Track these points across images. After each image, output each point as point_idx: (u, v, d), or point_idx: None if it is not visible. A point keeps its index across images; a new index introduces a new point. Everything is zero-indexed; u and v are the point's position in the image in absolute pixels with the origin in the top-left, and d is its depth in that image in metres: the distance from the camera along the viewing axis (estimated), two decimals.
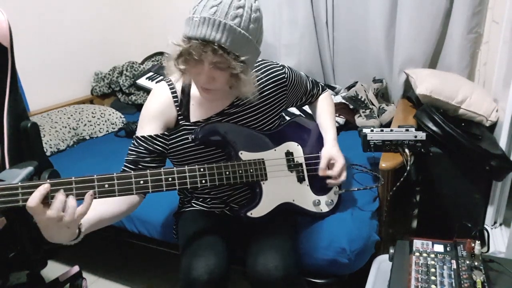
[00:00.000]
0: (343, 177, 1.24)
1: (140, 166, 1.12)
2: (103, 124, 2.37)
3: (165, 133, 1.15)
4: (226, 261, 1.09)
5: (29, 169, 0.99)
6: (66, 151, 2.14)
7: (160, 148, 1.14)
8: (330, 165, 1.25)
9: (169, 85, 1.16)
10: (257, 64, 1.20)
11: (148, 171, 0.96)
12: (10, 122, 1.14)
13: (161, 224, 1.47)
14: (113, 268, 1.94)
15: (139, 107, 2.67)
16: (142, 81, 2.63)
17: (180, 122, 1.15)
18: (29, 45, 2.29)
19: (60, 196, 0.83)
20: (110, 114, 2.43)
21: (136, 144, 1.13)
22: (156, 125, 1.13)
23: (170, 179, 0.99)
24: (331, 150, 1.26)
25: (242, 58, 0.97)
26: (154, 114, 1.14)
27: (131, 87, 2.70)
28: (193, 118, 1.15)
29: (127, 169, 1.12)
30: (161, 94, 1.15)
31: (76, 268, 1.67)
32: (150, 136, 1.12)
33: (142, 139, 1.12)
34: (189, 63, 0.99)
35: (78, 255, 2.03)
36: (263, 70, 1.20)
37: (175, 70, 1.03)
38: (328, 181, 1.25)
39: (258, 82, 1.17)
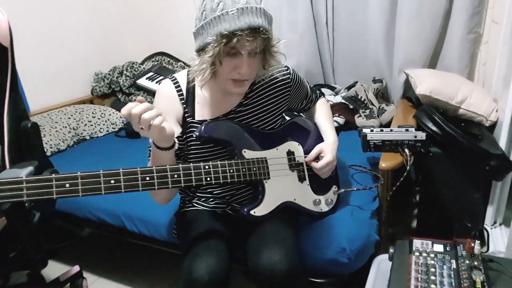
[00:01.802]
0: (324, 173, 1.25)
1: None
2: (103, 124, 2.37)
3: (179, 134, 1.17)
4: (227, 261, 1.09)
5: (30, 169, 0.99)
6: (67, 151, 2.14)
7: (180, 147, 1.17)
8: (320, 157, 1.25)
9: (173, 82, 1.18)
10: None
11: (154, 167, 0.97)
12: (11, 122, 1.15)
13: (162, 224, 1.47)
14: (113, 268, 1.94)
15: None
16: (142, 81, 2.63)
17: (187, 120, 1.16)
18: (30, 45, 2.29)
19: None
20: (110, 114, 2.43)
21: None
22: (170, 121, 1.15)
23: (175, 176, 1.00)
24: (325, 145, 1.27)
25: (275, 36, 1.04)
26: (164, 109, 1.14)
27: (131, 87, 2.70)
28: (199, 117, 1.17)
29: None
30: (166, 91, 1.17)
31: (76, 268, 1.68)
32: None
33: None
34: (224, 59, 1.02)
35: (78, 255, 2.03)
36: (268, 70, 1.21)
37: (207, 68, 1.03)
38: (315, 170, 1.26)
39: (264, 81, 1.20)
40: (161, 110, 1.15)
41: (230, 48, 0.99)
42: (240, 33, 0.95)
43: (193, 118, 1.17)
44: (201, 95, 1.17)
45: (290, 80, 1.25)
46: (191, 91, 1.17)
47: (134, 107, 0.92)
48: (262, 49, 1.04)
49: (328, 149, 1.25)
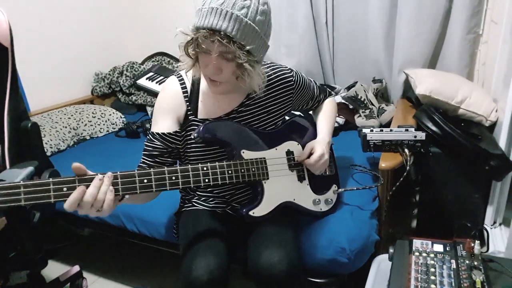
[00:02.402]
0: (318, 168, 1.23)
1: (158, 160, 1.15)
2: (104, 124, 2.37)
3: (178, 130, 1.16)
4: (226, 261, 1.09)
5: (30, 169, 0.99)
6: (67, 151, 2.14)
7: (173, 146, 1.17)
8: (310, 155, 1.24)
9: (179, 79, 1.18)
10: (267, 66, 1.22)
11: (151, 170, 0.97)
12: (11, 122, 1.15)
13: (162, 224, 1.47)
14: (113, 268, 1.94)
15: (139, 107, 2.68)
16: (142, 81, 2.64)
17: (190, 117, 1.17)
18: (30, 45, 2.29)
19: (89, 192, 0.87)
20: (110, 114, 2.43)
21: (151, 139, 1.16)
22: (169, 120, 1.15)
23: (173, 178, 1.00)
24: (314, 142, 1.26)
25: (248, 48, 0.99)
26: (166, 109, 1.16)
27: (131, 87, 2.70)
28: (201, 115, 1.17)
29: (145, 163, 1.15)
30: (170, 88, 1.18)
31: (76, 268, 1.68)
32: (163, 133, 1.15)
33: (157, 136, 1.15)
34: (196, 53, 1.02)
35: (78, 255, 2.03)
36: (271, 72, 1.22)
37: (187, 60, 1.06)
38: (308, 167, 1.25)
39: (267, 83, 1.19)
40: (161, 106, 1.17)
41: (195, 42, 1.00)
42: (202, 31, 0.96)
43: (195, 116, 1.17)
44: (205, 92, 1.17)
45: (292, 82, 1.25)
46: (195, 88, 1.18)
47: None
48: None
49: (317, 144, 1.25)
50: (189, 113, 1.17)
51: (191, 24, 1.01)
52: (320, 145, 1.24)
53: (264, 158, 1.16)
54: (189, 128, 1.17)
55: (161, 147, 1.15)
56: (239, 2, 0.96)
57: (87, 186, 0.87)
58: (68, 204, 0.85)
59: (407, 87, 2.10)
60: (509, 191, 1.60)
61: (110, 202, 0.89)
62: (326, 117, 1.37)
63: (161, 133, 1.15)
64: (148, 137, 1.18)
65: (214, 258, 1.06)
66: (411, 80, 1.89)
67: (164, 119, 1.15)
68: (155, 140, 1.15)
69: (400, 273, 0.98)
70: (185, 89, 1.17)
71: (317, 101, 1.39)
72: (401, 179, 1.36)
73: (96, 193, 0.87)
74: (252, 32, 0.99)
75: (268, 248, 1.06)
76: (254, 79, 1.06)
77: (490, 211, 1.64)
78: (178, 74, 1.19)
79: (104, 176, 0.89)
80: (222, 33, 0.95)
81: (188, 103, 1.16)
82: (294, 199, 1.21)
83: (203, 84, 1.17)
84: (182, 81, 1.17)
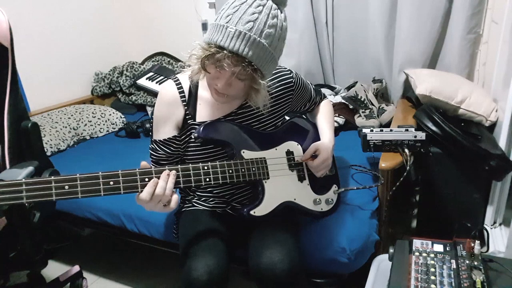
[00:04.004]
0: (320, 171, 1.24)
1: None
2: (104, 124, 2.37)
3: (177, 135, 1.17)
4: (226, 261, 1.09)
5: (30, 169, 0.99)
6: (67, 151, 2.14)
7: (177, 151, 1.18)
8: (314, 157, 1.25)
9: (176, 84, 1.17)
10: None
11: (152, 168, 0.97)
12: (11, 122, 1.15)
13: (162, 224, 1.47)
14: (113, 268, 1.94)
15: (139, 107, 2.68)
16: (143, 81, 2.63)
17: (189, 122, 1.16)
18: (30, 45, 2.29)
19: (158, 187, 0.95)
20: (110, 114, 2.43)
21: (154, 147, 1.18)
22: (169, 126, 1.16)
23: None
24: (320, 144, 1.26)
25: (266, 76, 1.02)
26: (165, 115, 1.16)
27: (132, 87, 2.70)
28: (200, 118, 1.17)
29: None
30: (168, 93, 1.17)
31: (76, 268, 1.68)
32: (165, 140, 1.16)
33: (159, 143, 1.17)
34: (210, 66, 1.01)
35: (78, 255, 2.03)
36: (272, 74, 1.21)
37: (196, 67, 1.04)
38: (311, 168, 1.25)
39: (267, 85, 1.18)
40: (160, 113, 1.16)
41: (216, 61, 0.98)
42: (225, 52, 0.95)
43: (194, 120, 1.17)
44: (203, 96, 1.16)
45: (292, 84, 1.25)
46: (193, 92, 1.17)
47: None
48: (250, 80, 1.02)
49: (323, 147, 1.25)
50: (187, 116, 1.16)
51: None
52: (326, 149, 1.25)
53: (264, 158, 1.17)
54: (188, 131, 1.17)
55: (165, 154, 1.17)
56: (266, 30, 0.95)
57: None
58: (145, 195, 0.93)
59: (407, 87, 2.10)
60: (509, 191, 1.60)
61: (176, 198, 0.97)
62: (327, 120, 1.38)
63: (163, 139, 1.16)
64: (151, 146, 1.19)
65: (214, 258, 1.06)
66: (411, 80, 1.89)
67: (165, 127, 1.16)
68: (158, 149, 1.17)
69: (400, 273, 0.98)
70: (183, 94, 1.16)
71: (314, 103, 1.39)
72: (401, 179, 1.37)
73: (165, 186, 0.95)
74: (271, 60, 1.01)
75: (269, 247, 1.06)
76: (262, 95, 1.08)
77: (490, 211, 1.64)
78: (175, 78, 1.18)
79: (170, 172, 0.96)
80: (247, 60, 0.95)
81: (186, 108, 1.16)
82: (295, 199, 1.21)
83: (201, 87, 1.17)
84: (180, 85, 1.16)
